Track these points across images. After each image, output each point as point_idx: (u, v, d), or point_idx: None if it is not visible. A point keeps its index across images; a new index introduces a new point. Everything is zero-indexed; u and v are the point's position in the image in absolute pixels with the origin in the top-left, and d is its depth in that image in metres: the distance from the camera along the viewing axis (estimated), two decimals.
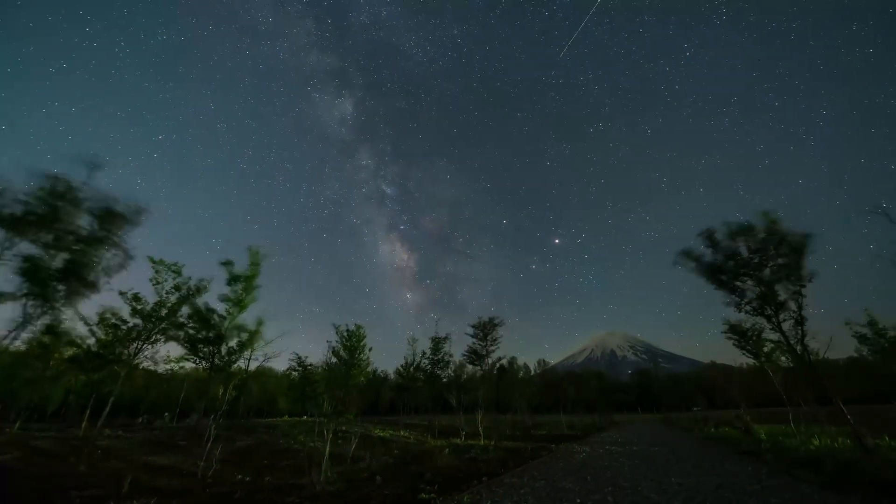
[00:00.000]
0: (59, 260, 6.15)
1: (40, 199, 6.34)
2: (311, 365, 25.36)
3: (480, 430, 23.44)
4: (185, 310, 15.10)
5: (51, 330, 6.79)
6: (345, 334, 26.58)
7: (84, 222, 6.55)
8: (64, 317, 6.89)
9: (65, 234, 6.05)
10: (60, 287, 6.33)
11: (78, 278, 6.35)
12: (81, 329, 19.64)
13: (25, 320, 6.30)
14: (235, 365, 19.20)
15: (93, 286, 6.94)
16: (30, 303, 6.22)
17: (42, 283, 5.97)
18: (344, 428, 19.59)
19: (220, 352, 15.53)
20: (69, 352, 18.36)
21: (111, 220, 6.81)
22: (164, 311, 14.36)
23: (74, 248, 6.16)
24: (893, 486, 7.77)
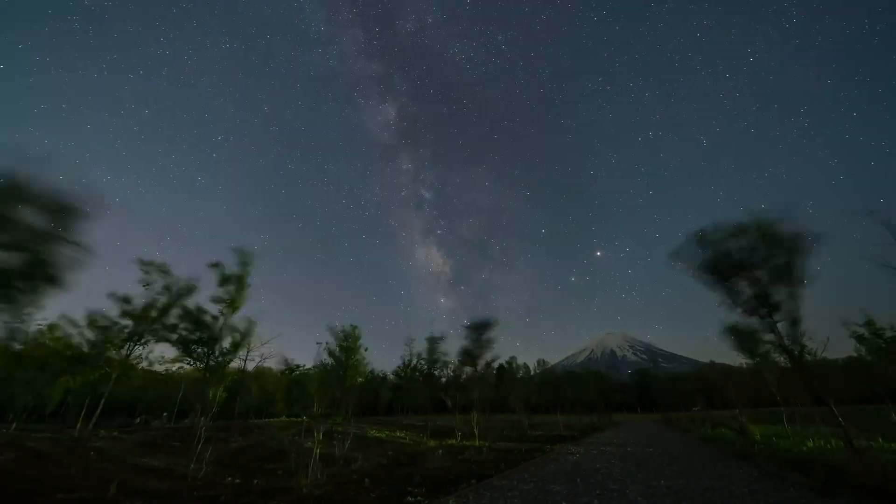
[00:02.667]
0: (10, 259, 5.96)
1: None
2: (300, 367, 25.35)
3: (476, 430, 23.44)
4: (176, 311, 15.08)
5: (10, 334, 6.63)
6: (341, 335, 26.56)
7: (32, 219, 6.33)
8: (33, 320, 6.71)
9: (10, 231, 5.85)
10: (19, 286, 6.15)
11: (34, 277, 6.18)
12: (68, 331, 19.66)
13: None
14: (231, 365, 19.16)
15: (55, 282, 6.68)
16: None
17: None
18: (340, 429, 19.61)
19: (213, 353, 15.52)
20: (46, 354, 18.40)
21: (63, 214, 6.51)
22: (153, 313, 14.28)
23: (24, 246, 5.95)
24: (881, 490, 7.73)
